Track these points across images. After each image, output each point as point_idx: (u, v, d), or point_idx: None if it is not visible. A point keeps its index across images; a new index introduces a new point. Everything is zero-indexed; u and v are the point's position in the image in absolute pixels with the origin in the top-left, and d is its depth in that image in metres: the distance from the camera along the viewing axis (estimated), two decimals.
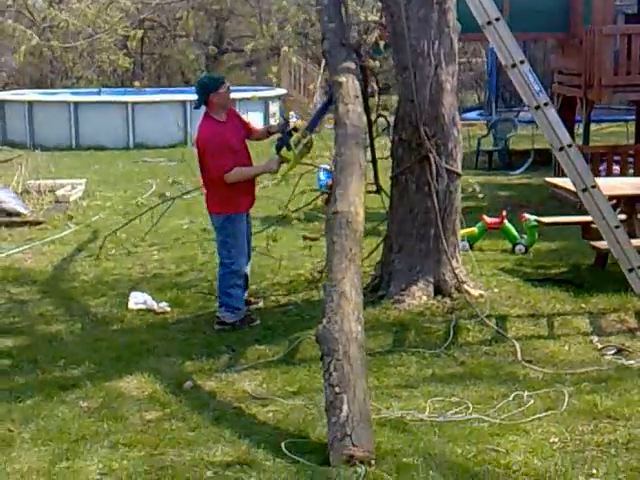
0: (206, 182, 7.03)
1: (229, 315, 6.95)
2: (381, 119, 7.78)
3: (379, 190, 7.87)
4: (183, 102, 19.49)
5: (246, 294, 7.30)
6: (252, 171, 7.05)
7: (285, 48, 8.08)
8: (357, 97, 6.56)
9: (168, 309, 7.42)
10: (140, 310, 7.40)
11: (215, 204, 6.97)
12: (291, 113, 22.16)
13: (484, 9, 6.75)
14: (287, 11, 7.75)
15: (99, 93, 21.86)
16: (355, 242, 5.45)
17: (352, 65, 6.85)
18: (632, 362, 5.95)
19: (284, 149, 6.87)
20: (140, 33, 7.47)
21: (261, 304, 7.48)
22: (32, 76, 27.33)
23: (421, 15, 7.06)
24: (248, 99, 15.74)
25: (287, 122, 7.06)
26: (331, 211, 5.68)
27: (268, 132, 7.29)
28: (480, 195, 8.64)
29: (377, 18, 7.43)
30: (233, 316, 6.95)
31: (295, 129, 6.95)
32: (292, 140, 6.86)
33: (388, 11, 7.21)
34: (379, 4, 7.36)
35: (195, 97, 7.01)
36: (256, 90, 20.59)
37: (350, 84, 6.60)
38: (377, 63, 7.27)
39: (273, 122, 19.13)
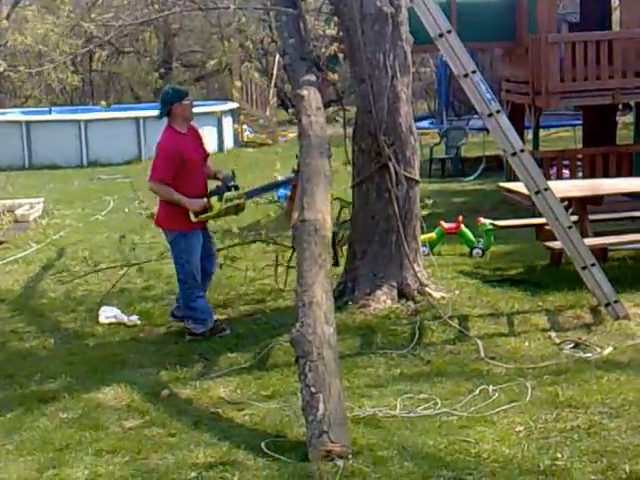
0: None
1: (197, 327, 7.09)
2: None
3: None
4: (136, 118, 19.59)
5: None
6: (175, 197, 6.83)
7: (247, 64, 8.27)
8: (319, 109, 6.80)
9: (138, 322, 7.56)
10: (111, 324, 7.53)
11: (164, 219, 7.06)
12: (247, 126, 22.32)
13: (436, 22, 7.03)
14: (246, 28, 7.93)
15: (50, 112, 21.84)
16: (324, 248, 5.67)
17: (313, 78, 7.10)
18: (589, 355, 6.23)
19: (215, 198, 6.95)
20: (104, 54, 7.58)
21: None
22: None
23: (376, 29, 7.32)
24: (209, 114, 15.89)
25: (233, 177, 7.12)
26: (299, 219, 5.89)
27: (215, 175, 7.22)
28: (429, 201, 8.91)
29: (334, 32, 7.67)
30: (201, 327, 7.08)
31: (237, 187, 7.06)
32: (227, 195, 6.97)
33: (344, 26, 7.46)
34: (336, 18, 7.61)
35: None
36: (208, 104, 20.73)
37: (312, 96, 6.84)
38: (336, 76, 7.50)
39: (229, 135, 19.37)
